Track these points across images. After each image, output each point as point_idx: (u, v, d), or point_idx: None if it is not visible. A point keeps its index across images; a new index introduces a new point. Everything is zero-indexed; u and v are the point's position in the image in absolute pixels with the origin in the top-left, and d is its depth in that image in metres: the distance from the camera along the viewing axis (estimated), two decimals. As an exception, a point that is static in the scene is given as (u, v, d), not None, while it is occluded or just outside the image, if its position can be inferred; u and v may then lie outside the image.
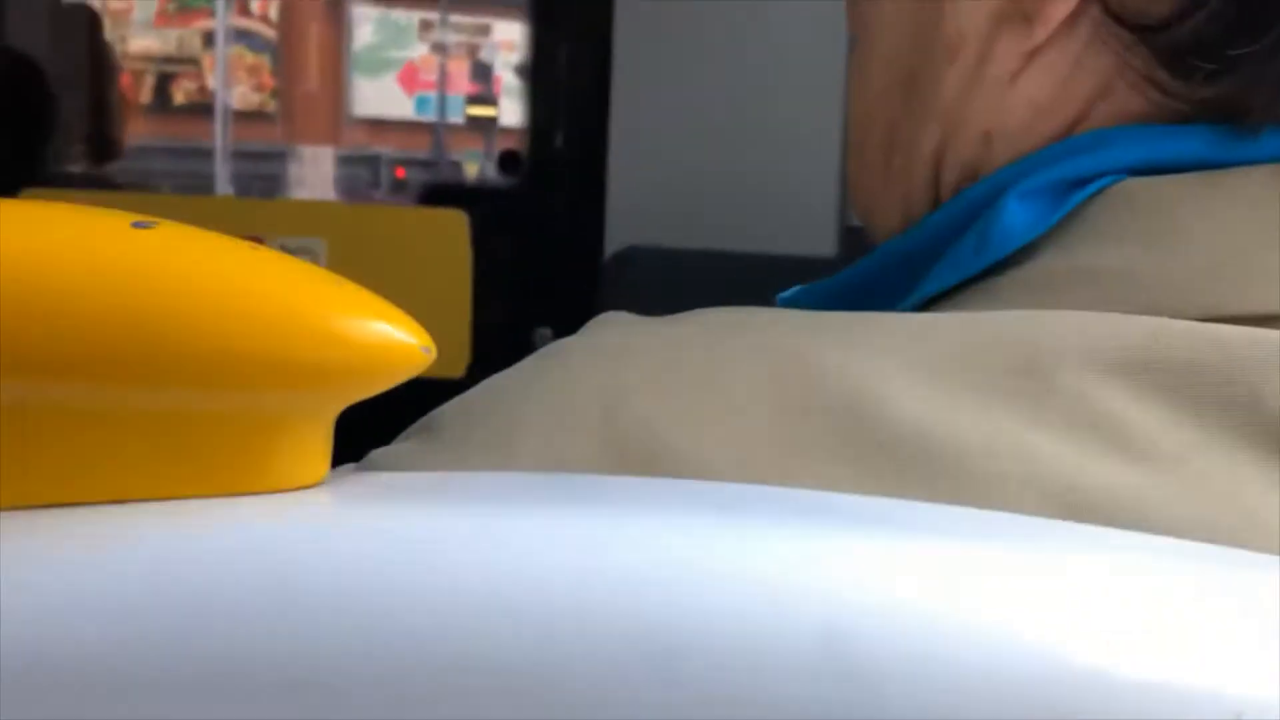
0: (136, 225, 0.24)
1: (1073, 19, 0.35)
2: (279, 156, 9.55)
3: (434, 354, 0.25)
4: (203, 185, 8.33)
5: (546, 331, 1.39)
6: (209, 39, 9.19)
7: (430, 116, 9.90)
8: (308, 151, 9.74)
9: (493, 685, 0.21)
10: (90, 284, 0.23)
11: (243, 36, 9.20)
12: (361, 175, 9.77)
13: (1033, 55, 0.36)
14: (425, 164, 9.94)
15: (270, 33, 9.44)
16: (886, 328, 0.32)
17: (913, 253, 0.38)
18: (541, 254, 1.44)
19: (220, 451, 0.25)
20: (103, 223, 0.24)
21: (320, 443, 0.25)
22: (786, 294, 0.47)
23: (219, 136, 8.73)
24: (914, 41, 0.39)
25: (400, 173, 9.61)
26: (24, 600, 0.23)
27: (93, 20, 2.19)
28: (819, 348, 0.32)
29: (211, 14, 9.02)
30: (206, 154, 8.79)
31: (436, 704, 0.22)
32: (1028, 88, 0.36)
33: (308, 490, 0.25)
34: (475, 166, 9.48)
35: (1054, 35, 0.35)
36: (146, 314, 0.23)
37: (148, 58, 9.34)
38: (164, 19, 9.22)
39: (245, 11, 9.21)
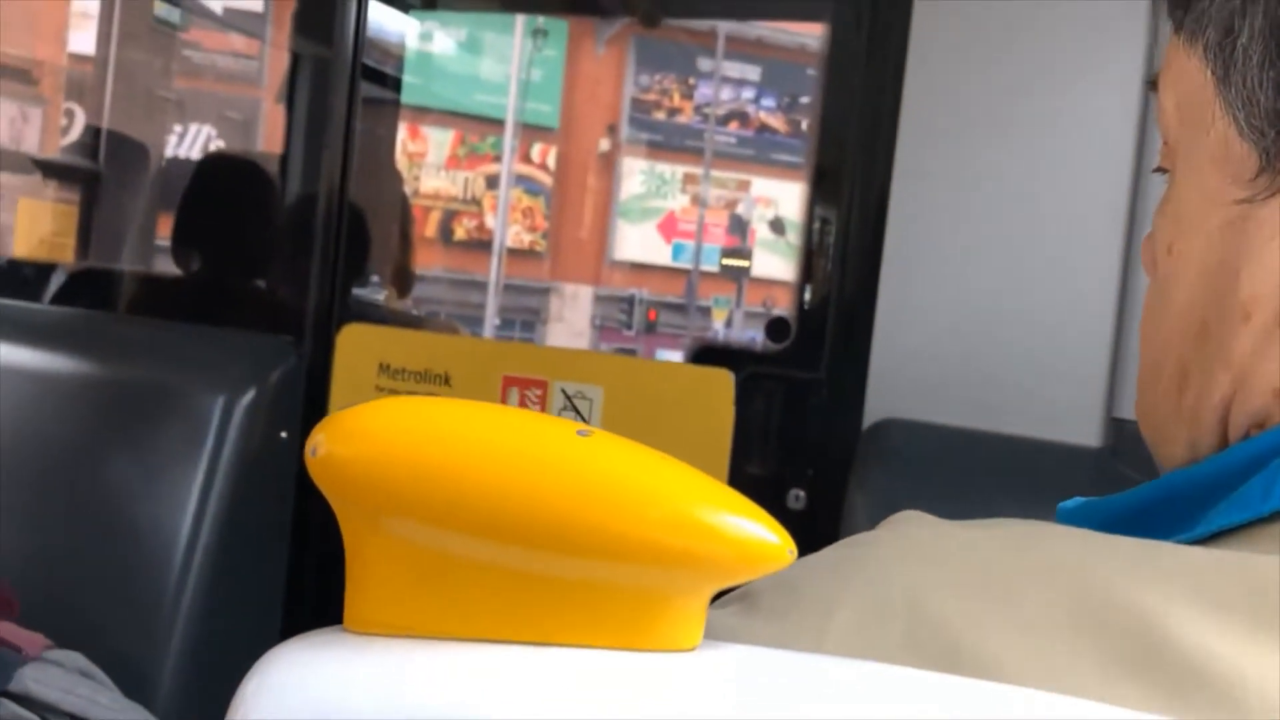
0: (580, 434, 0.32)
1: None
2: (543, 292, 10.17)
3: (795, 555, 0.31)
4: (475, 314, 8.97)
5: (800, 493, 1.44)
6: (491, 182, 9.99)
7: (685, 263, 10.30)
8: (569, 289, 10.32)
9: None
10: (545, 476, 0.31)
11: (522, 180, 9.96)
12: (616, 314, 10.23)
13: None
14: (676, 308, 10.32)
15: (546, 179, 10.17)
16: (1177, 558, 0.36)
17: (1198, 488, 0.41)
18: (801, 418, 1.50)
19: (617, 614, 0.31)
20: (556, 430, 0.32)
21: (696, 616, 0.32)
22: (1069, 504, 0.49)
23: (494, 270, 9.41)
24: (1210, 297, 0.42)
25: (652, 315, 10.01)
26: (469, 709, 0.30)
27: (398, 174, 2.47)
28: (1112, 573, 0.35)
29: (496, 159, 9.83)
30: (480, 285, 9.48)
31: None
32: None
33: (686, 653, 0.31)
34: (724, 313, 9.75)
35: None
36: (581, 502, 0.31)
37: (436, 196, 10.24)
38: (453, 162, 10.12)
39: (527, 159, 9.98)
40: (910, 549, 0.39)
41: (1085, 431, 1.32)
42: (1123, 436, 1.31)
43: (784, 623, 0.38)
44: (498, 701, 0.30)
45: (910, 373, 1.38)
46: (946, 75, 1.42)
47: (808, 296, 1.56)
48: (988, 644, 0.34)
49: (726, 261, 9.65)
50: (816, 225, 1.58)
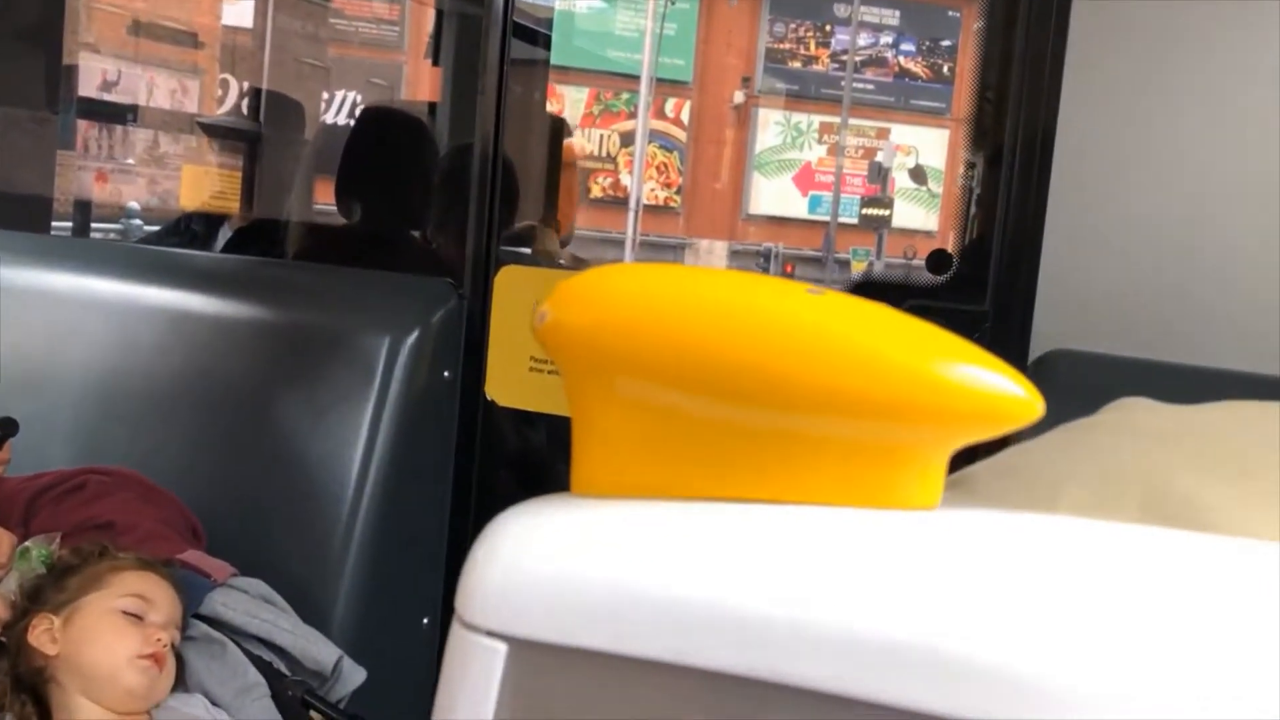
0: (811, 291, 0.31)
1: None
2: (678, 247, 10.17)
3: (1044, 410, 0.30)
4: (611, 271, 9.04)
5: (963, 428, 1.40)
6: (625, 139, 10.00)
7: (822, 215, 10.14)
8: (704, 244, 10.29)
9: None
10: (781, 332, 0.30)
11: (656, 136, 9.94)
12: (751, 269, 10.16)
13: None
14: (813, 260, 10.17)
15: (681, 134, 10.14)
16: None
17: None
18: (964, 352, 1.45)
19: (856, 472, 0.31)
20: (790, 288, 0.31)
21: (937, 474, 0.31)
22: None
23: (630, 227, 9.46)
24: None
25: (789, 268, 9.90)
26: (733, 558, 0.30)
27: (557, 125, 2.48)
28: None
29: (631, 116, 9.83)
30: (616, 243, 9.54)
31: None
32: None
33: (927, 511, 0.31)
34: (863, 264, 9.57)
35: None
36: (818, 355, 0.30)
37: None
38: (588, 120, 10.16)
39: (661, 114, 9.96)
40: (1139, 428, 0.38)
41: (1269, 360, 1.25)
42: (1311, 365, 1.23)
43: (1004, 505, 0.37)
44: (739, 558, 0.30)
45: (1079, 303, 1.33)
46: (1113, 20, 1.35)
47: (968, 228, 1.51)
48: (1235, 517, 0.33)
49: (866, 211, 9.47)
50: (978, 158, 1.53)
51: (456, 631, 0.33)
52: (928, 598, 0.28)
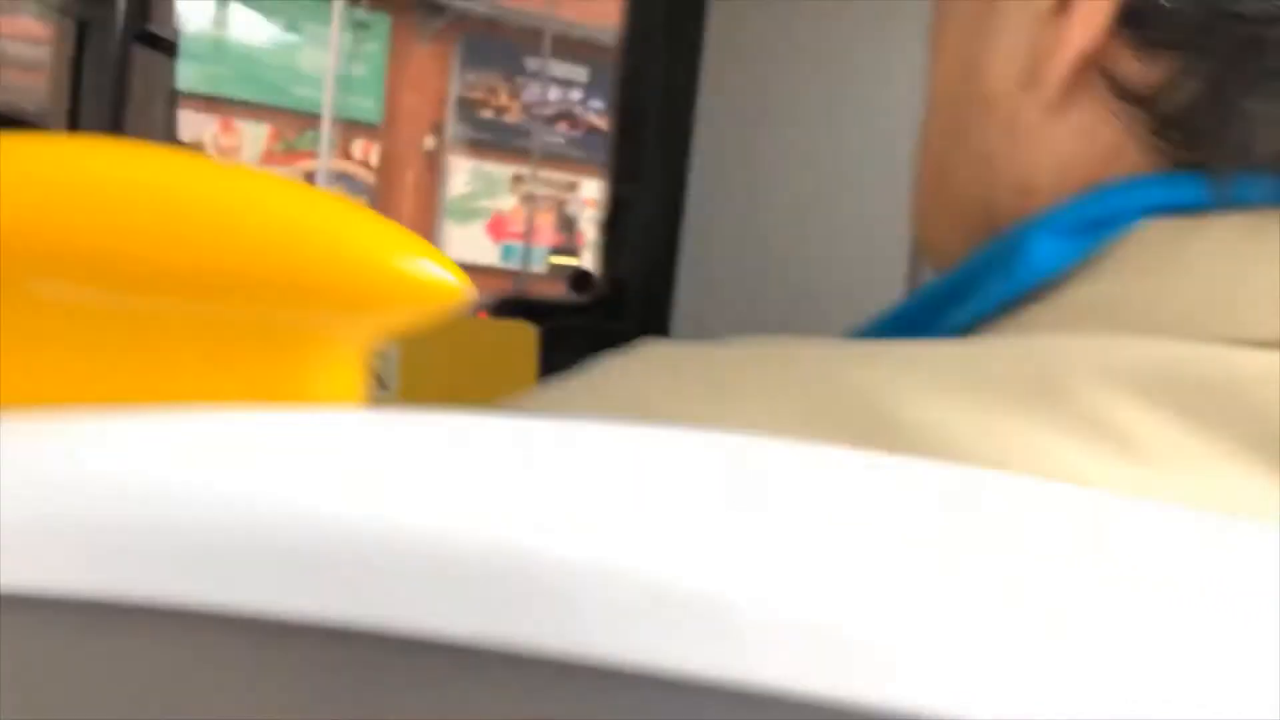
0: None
1: (1081, 86, 0.38)
2: (366, 293, 9.92)
3: (473, 295, 0.27)
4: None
5: (605, 446, 1.41)
6: (309, 179, 9.67)
7: (515, 264, 10.21)
8: (394, 290, 10.08)
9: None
10: (171, 206, 0.26)
11: (342, 179, 9.67)
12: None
13: (1053, 116, 0.38)
14: (505, 309, 10.24)
15: (369, 177, 9.91)
16: (910, 351, 0.34)
17: (950, 290, 0.40)
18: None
19: (260, 365, 0.27)
20: (192, 163, 0.27)
21: (355, 371, 0.28)
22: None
23: (311, 269, 9.11)
24: (961, 92, 0.41)
25: (482, 316, 9.90)
26: (78, 475, 0.25)
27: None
28: (841, 367, 0.33)
29: (315, 155, 9.52)
30: (298, 286, 9.16)
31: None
32: (1051, 145, 0.38)
33: (351, 406, 0.27)
34: (554, 314, 9.74)
35: (1070, 100, 0.38)
36: (208, 232, 0.26)
37: (253, 195, 9.82)
38: (270, 158, 9.74)
39: (348, 155, 9.69)
40: (641, 363, 0.37)
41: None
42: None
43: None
44: (110, 470, 0.25)
45: (712, 321, 1.38)
46: (744, 52, 1.43)
47: (612, 257, 1.54)
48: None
49: (554, 260, 9.64)
50: (620, 193, 1.57)
51: None
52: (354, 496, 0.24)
